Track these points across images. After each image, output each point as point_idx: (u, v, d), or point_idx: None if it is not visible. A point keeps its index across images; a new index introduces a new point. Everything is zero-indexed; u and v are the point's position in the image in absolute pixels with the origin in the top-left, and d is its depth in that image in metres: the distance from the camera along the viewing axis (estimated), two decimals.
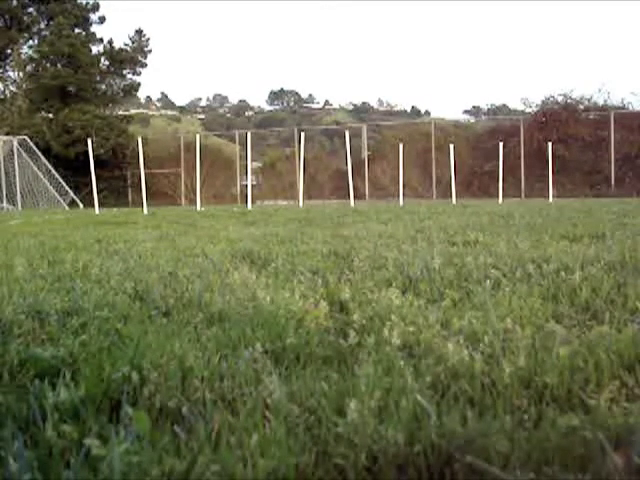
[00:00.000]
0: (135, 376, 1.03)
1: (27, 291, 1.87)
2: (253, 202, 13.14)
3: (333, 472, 0.77)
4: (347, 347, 1.23)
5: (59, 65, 25.10)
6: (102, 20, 26.90)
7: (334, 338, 1.29)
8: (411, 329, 1.30)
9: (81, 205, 19.90)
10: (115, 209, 14.50)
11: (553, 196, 14.49)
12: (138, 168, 12.82)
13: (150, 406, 0.95)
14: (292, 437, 0.83)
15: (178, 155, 24.55)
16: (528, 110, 23.73)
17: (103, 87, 26.57)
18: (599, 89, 26.23)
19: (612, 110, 21.35)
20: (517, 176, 20.57)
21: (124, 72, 26.69)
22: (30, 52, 26.18)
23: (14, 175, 20.15)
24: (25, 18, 25.89)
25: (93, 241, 3.83)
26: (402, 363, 1.08)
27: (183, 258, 2.76)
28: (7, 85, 26.74)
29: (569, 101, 22.43)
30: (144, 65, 26.54)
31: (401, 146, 14.44)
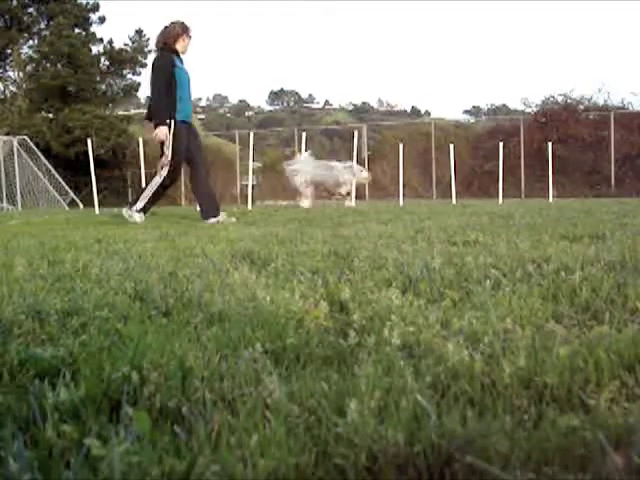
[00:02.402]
0: (135, 376, 1.03)
1: (27, 291, 1.87)
2: (253, 202, 13.13)
3: (333, 472, 0.77)
4: (347, 347, 1.23)
5: (59, 65, 25.11)
6: (102, 20, 26.92)
7: (334, 338, 1.29)
8: (411, 329, 1.30)
9: (81, 205, 19.90)
10: (115, 209, 14.49)
11: (553, 196, 14.49)
12: (138, 168, 12.81)
13: (150, 406, 0.95)
14: (292, 437, 0.83)
15: None
16: (528, 110, 23.75)
17: (103, 87, 26.58)
18: (599, 89, 26.20)
19: (612, 110, 21.36)
20: (517, 176, 20.58)
21: (124, 72, 26.71)
22: (30, 52, 26.19)
23: (14, 175, 20.15)
24: (25, 18, 25.90)
25: (93, 241, 3.83)
26: (402, 363, 1.08)
27: (183, 258, 2.76)
28: (7, 85, 26.73)
29: (569, 101, 22.44)
30: (144, 65, 26.56)
31: (401, 146, 14.44)
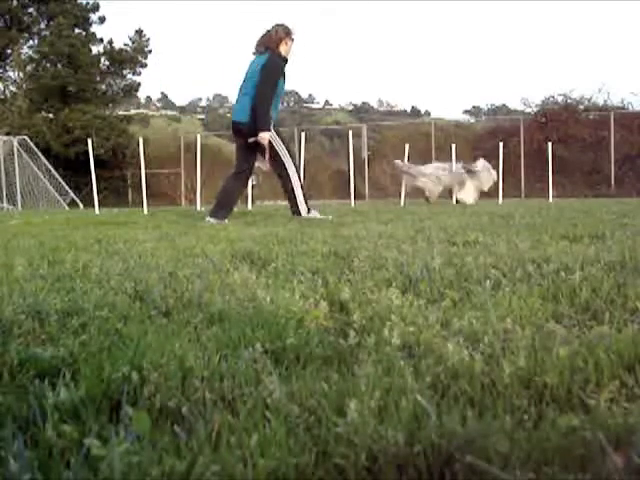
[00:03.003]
0: (135, 376, 1.03)
1: (27, 291, 1.87)
2: (253, 202, 13.13)
3: (333, 472, 0.77)
4: (347, 347, 1.23)
5: (59, 65, 25.11)
6: (102, 20, 26.94)
7: (334, 338, 1.29)
8: (411, 329, 1.30)
9: (81, 205, 19.89)
10: (115, 209, 14.49)
11: (553, 196, 14.47)
12: (138, 168, 12.81)
13: (150, 406, 0.95)
14: (292, 437, 0.83)
15: (178, 155, 24.56)
16: (528, 110, 23.75)
17: (103, 87, 26.59)
18: (599, 89, 26.17)
19: (612, 110, 21.36)
20: (517, 176, 20.58)
21: (124, 72, 26.72)
22: (30, 52, 26.21)
23: (14, 175, 20.15)
24: (25, 18, 25.91)
25: (93, 241, 3.83)
26: (402, 363, 1.08)
27: (183, 258, 2.76)
28: (7, 85, 26.74)
29: (569, 101, 22.45)
30: (144, 65, 26.58)
31: (407, 146, 14.37)
